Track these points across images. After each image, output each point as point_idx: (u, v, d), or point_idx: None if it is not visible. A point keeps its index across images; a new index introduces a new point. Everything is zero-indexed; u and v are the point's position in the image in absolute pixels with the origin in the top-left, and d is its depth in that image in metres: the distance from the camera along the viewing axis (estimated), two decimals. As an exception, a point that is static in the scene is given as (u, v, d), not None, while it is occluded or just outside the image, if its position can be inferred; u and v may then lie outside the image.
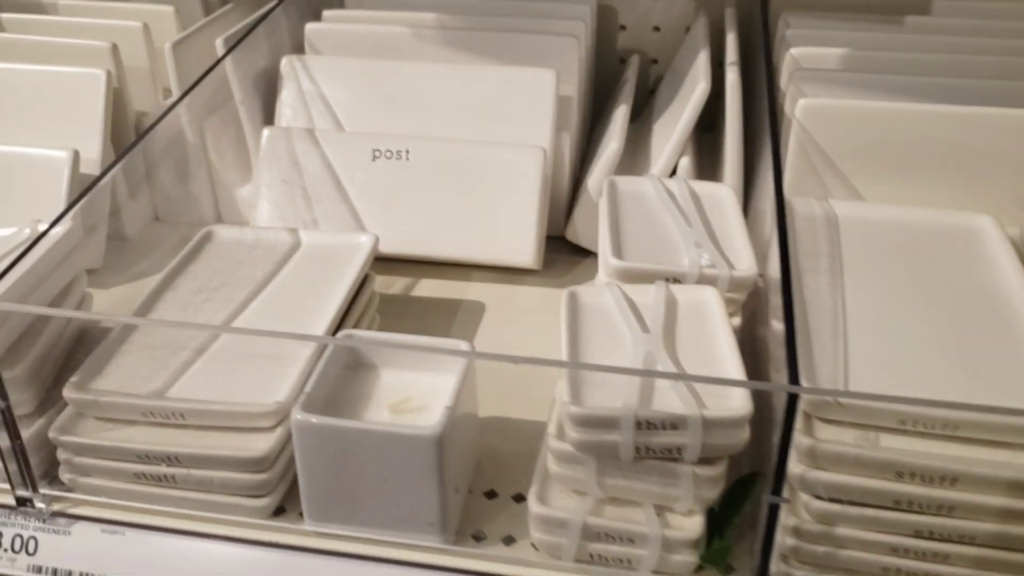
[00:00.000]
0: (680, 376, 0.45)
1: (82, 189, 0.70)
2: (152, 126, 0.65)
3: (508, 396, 0.58)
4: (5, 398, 0.49)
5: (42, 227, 0.60)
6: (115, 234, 0.78)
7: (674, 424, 0.44)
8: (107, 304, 0.68)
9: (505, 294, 0.72)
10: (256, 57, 0.77)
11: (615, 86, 0.91)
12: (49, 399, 0.55)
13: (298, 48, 0.83)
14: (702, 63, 0.72)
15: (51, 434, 0.51)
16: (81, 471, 0.52)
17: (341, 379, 0.52)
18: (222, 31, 0.81)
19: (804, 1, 0.83)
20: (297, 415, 0.47)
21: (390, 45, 0.79)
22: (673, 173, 0.71)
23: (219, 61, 0.71)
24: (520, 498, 0.53)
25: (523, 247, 0.71)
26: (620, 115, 0.76)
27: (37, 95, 0.75)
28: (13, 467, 0.52)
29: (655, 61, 0.93)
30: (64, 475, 0.53)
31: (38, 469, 0.53)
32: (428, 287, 0.73)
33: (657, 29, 0.92)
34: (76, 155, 0.71)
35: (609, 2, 0.91)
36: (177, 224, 0.82)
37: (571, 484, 0.48)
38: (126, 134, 0.78)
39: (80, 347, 0.59)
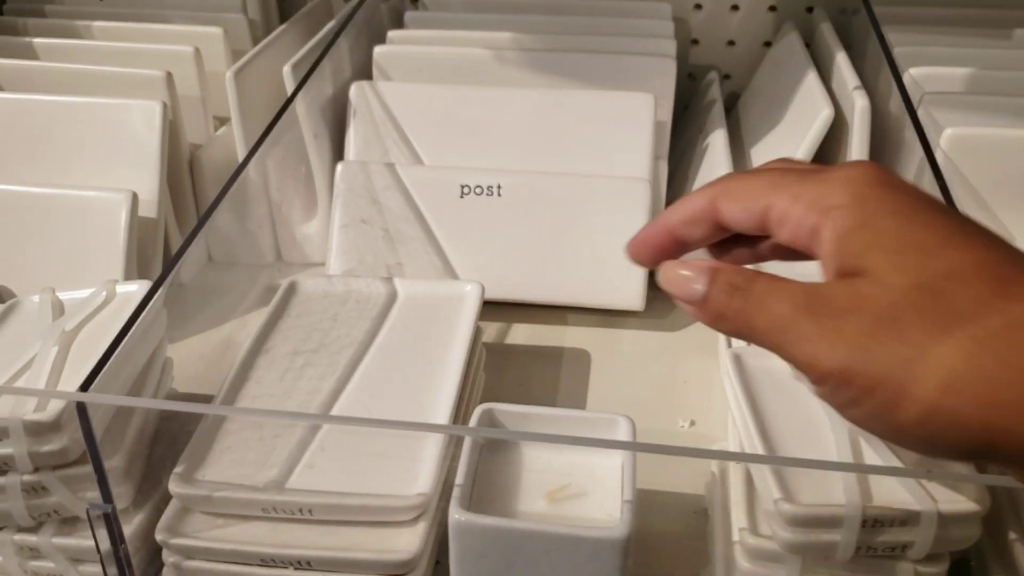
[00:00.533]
0: (917, 473, 0.40)
1: (137, 232, 0.64)
2: (235, 176, 0.58)
3: (652, 465, 0.52)
4: (110, 499, 0.43)
5: (120, 288, 0.54)
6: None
7: (903, 521, 0.39)
8: (188, 367, 0.61)
9: (608, 339, 0.66)
10: (322, 84, 0.70)
11: (689, 104, 0.86)
12: (140, 491, 0.48)
13: (360, 73, 0.76)
14: (814, 85, 0.67)
15: (158, 536, 0.44)
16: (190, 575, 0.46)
17: (484, 462, 0.46)
18: (280, 55, 0.75)
19: (898, 15, 0.78)
20: (457, 515, 0.41)
21: (467, 68, 0.73)
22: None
23: (295, 93, 0.65)
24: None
25: (628, 288, 0.65)
26: (719, 141, 0.70)
27: (86, 129, 0.68)
28: (113, 572, 0.45)
29: (727, 77, 0.88)
30: (170, 579, 0.46)
31: (137, 571, 0.47)
32: (523, 333, 0.67)
33: (732, 43, 0.87)
34: (134, 197, 0.64)
35: (681, 15, 0.85)
36: (233, 265, 0.76)
37: (765, 582, 0.42)
38: (180, 169, 0.71)
39: (166, 424, 0.52)
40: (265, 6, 0.86)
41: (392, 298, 0.59)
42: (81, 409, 0.40)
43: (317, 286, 0.60)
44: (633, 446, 0.41)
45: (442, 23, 0.79)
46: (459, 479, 0.43)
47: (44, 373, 0.47)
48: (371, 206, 0.67)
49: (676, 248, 0.37)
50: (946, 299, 0.28)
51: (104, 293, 0.53)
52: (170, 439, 0.50)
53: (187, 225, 0.73)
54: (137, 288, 0.53)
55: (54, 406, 0.43)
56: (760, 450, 0.42)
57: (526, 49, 0.73)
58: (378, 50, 0.73)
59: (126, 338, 0.44)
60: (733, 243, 0.38)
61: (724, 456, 0.42)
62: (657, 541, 0.50)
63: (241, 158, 0.72)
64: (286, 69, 0.68)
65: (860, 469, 0.39)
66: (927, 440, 0.28)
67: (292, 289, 0.60)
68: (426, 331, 0.57)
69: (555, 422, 0.46)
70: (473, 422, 0.45)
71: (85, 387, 0.41)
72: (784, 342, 0.31)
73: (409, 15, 0.80)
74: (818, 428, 0.44)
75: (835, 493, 0.39)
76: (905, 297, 0.28)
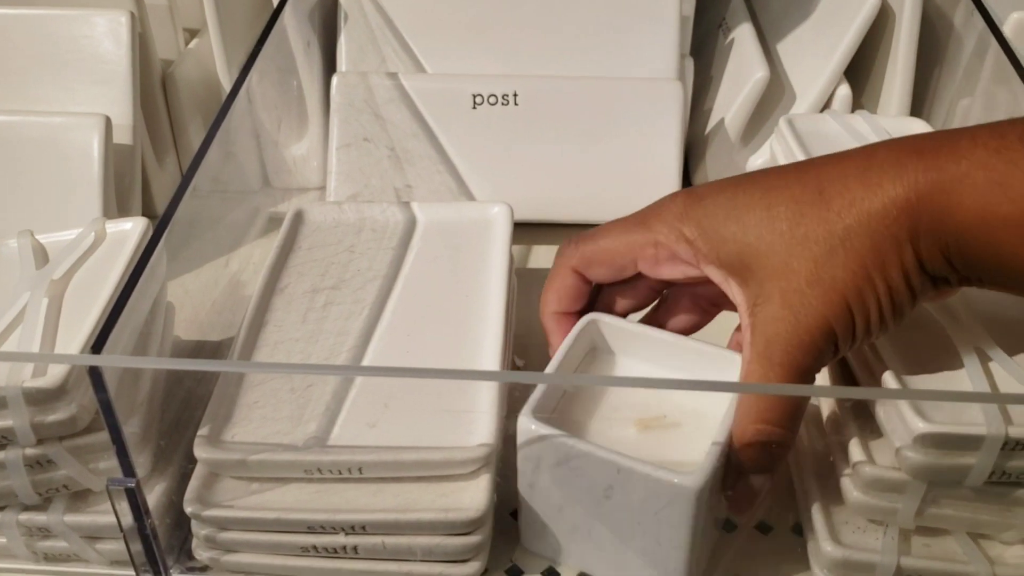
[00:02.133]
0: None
1: (114, 160, 0.57)
2: (224, 110, 0.51)
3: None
4: (132, 472, 0.37)
5: (110, 227, 0.47)
6: (146, 212, 0.65)
7: (1041, 446, 0.35)
8: (187, 309, 0.55)
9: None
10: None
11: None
12: (158, 457, 0.43)
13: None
14: (854, -31, 0.61)
15: (188, 508, 0.39)
16: (227, 547, 0.41)
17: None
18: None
19: None
20: (527, 421, 0.37)
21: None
22: (825, 106, 0.60)
23: (280, 8, 0.57)
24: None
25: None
26: (747, 36, 0.65)
27: (44, 46, 0.60)
28: (137, 548, 0.40)
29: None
30: (201, 553, 0.41)
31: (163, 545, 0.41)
32: (548, 257, 0.61)
33: (743, -71, 0.80)
34: (108, 122, 0.57)
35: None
36: (217, 192, 0.68)
37: (875, 514, 0.39)
38: (151, 88, 0.63)
39: (179, 380, 0.46)
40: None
41: (411, 224, 0.54)
42: (95, 374, 0.34)
43: (326, 214, 0.54)
44: (736, 387, 0.37)
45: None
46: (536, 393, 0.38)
47: (37, 331, 0.41)
48: (373, 122, 0.61)
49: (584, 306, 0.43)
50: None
51: (92, 234, 0.46)
52: (184, 397, 0.44)
53: (162, 151, 0.66)
54: (132, 226, 0.46)
55: (57, 370, 0.37)
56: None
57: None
58: (368, -54, 0.65)
59: (135, 288, 0.37)
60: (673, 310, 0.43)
61: (853, 393, 0.38)
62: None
63: (222, 74, 0.64)
64: (271, -27, 0.60)
65: (1003, 399, 0.35)
66: None
67: (299, 219, 0.54)
68: (455, 260, 0.51)
69: (664, 347, 0.41)
70: (576, 333, 0.41)
71: (96, 348, 0.35)
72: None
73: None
74: (940, 339, 0.40)
75: (971, 412, 0.35)
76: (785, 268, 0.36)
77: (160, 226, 0.41)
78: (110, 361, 0.34)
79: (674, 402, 0.40)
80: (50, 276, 0.43)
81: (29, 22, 0.60)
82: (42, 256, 0.46)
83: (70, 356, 0.37)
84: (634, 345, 0.42)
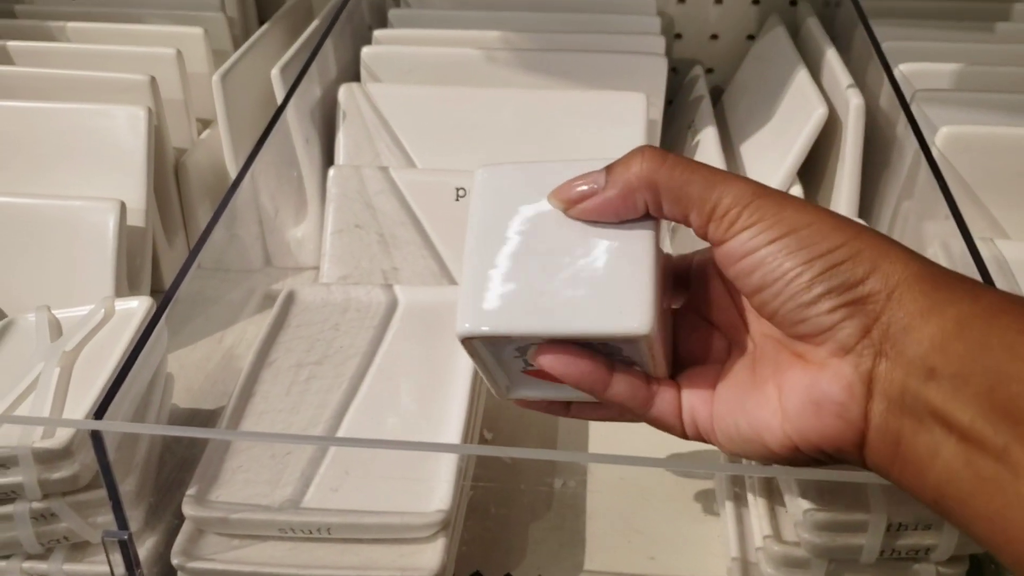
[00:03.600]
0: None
1: (127, 240, 0.63)
2: (234, 188, 0.57)
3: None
4: (126, 526, 0.42)
5: (119, 305, 0.52)
6: (155, 288, 0.70)
7: (927, 525, 0.39)
8: (185, 379, 0.60)
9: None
10: (310, 86, 0.69)
11: (673, 99, 0.86)
12: (150, 513, 0.47)
13: (346, 73, 0.75)
14: (806, 83, 0.67)
15: (175, 560, 0.44)
16: (208, 597, 0.45)
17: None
18: (264, 56, 0.74)
19: (881, 8, 0.78)
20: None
21: (456, 68, 0.72)
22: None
23: (287, 99, 0.63)
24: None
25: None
26: (710, 139, 0.70)
27: (68, 136, 0.66)
28: (126, 599, 0.44)
29: (710, 71, 0.88)
30: (185, 602, 0.45)
31: (149, 595, 0.46)
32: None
33: (715, 37, 0.87)
34: (123, 207, 0.63)
35: (664, 8, 0.85)
36: (221, 271, 0.74)
37: (789, 585, 0.43)
38: (165, 175, 0.69)
39: (173, 443, 0.51)
40: (243, 3, 0.84)
41: (393, 305, 0.59)
42: (96, 437, 0.39)
43: (316, 294, 0.60)
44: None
45: (427, 21, 0.78)
46: None
47: (48, 398, 0.46)
48: (365, 211, 0.66)
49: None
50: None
51: (102, 310, 0.52)
52: (178, 459, 0.49)
53: (173, 232, 0.72)
54: (137, 304, 0.52)
55: (63, 433, 0.42)
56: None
57: (515, 48, 0.73)
58: (366, 51, 0.72)
59: (136, 362, 0.42)
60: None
61: (751, 471, 0.43)
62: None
63: (229, 163, 0.70)
64: (274, 72, 0.67)
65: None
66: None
67: (291, 298, 0.59)
68: (430, 339, 0.56)
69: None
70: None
71: (99, 414, 0.40)
72: None
73: (393, 13, 0.79)
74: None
75: (860, 497, 0.40)
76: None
77: (162, 304, 0.46)
78: (109, 427, 0.39)
79: None
80: (62, 348, 0.49)
81: (54, 114, 0.66)
82: (56, 329, 0.51)
83: (74, 421, 0.42)
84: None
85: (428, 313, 0.58)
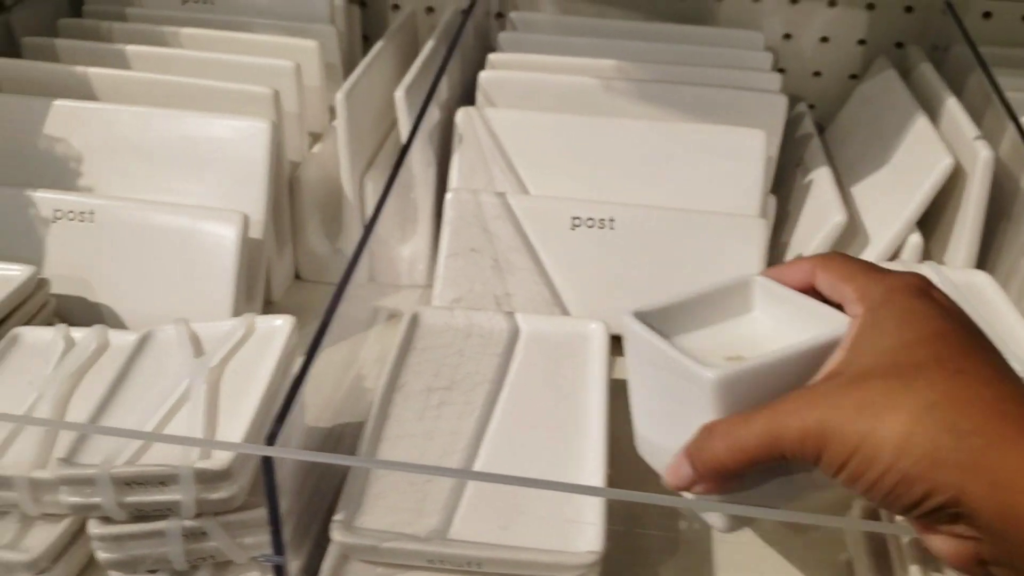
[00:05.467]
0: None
1: (248, 255, 0.63)
2: (379, 209, 0.57)
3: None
4: (283, 551, 0.42)
5: (260, 323, 0.52)
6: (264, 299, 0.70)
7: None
8: (318, 398, 0.60)
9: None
10: (429, 108, 0.69)
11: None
12: (296, 535, 0.47)
13: (461, 97, 0.75)
14: (928, 132, 0.67)
15: (323, 586, 0.44)
16: (351, 625, 0.45)
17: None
18: (380, 74, 0.74)
19: (994, 56, 0.78)
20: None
21: (572, 96, 0.72)
22: (896, 253, 0.66)
23: (417, 124, 0.64)
24: None
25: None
26: (825, 179, 0.70)
27: (191, 144, 0.66)
28: (271, 623, 0.45)
29: (812, 107, 0.87)
30: (326, 629, 0.45)
31: (289, 618, 0.46)
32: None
33: (818, 74, 0.87)
34: (246, 219, 0.63)
35: (770, 43, 0.85)
36: (321, 284, 0.74)
37: None
38: (280, 187, 0.70)
39: (313, 469, 0.51)
40: (350, 16, 0.85)
41: (515, 333, 0.59)
42: (267, 463, 0.39)
43: (438, 318, 0.60)
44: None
45: (537, 46, 0.78)
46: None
47: (200, 416, 0.46)
48: (481, 235, 0.66)
49: None
50: (905, 378, 0.33)
51: (243, 327, 0.52)
52: (315, 482, 0.49)
53: (282, 244, 0.72)
54: (281, 323, 0.52)
55: (223, 454, 0.42)
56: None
57: (631, 79, 0.73)
58: (484, 75, 0.72)
59: (302, 384, 0.43)
60: None
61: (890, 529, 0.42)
62: None
63: (346, 179, 0.70)
64: (399, 94, 0.67)
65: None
66: (893, 499, 0.32)
67: (415, 321, 0.59)
68: (556, 370, 0.56)
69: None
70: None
71: (271, 440, 0.40)
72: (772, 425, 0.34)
73: (503, 36, 0.79)
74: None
75: None
76: (873, 371, 0.34)
77: (323, 327, 0.46)
78: (281, 453, 0.39)
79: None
80: (208, 364, 0.49)
81: (179, 122, 0.66)
82: (196, 344, 0.51)
83: (248, 446, 0.42)
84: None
85: (550, 343, 0.58)
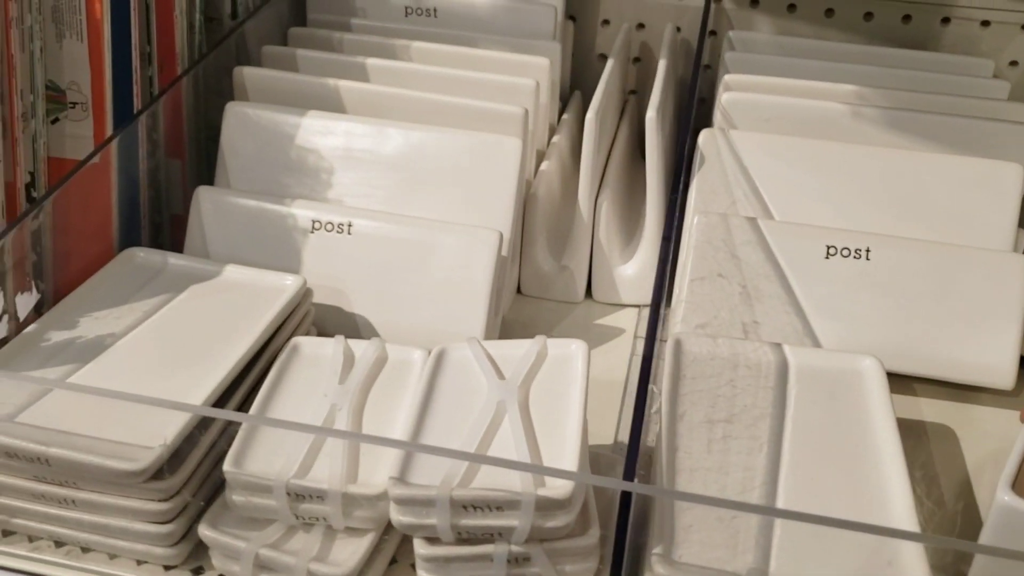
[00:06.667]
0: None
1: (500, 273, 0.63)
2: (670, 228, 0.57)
3: None
4: (622, 584, 0.42)
5: (554, 350, 0.53)
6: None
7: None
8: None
9: (967, 416, 0.64)
10: (665, 129, 0.69)
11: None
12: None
13: (675, 115, 0.75)
14: None
15: None
16: None
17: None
18: (613, 95, 0.74)
19: None
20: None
21: (816, 122, 0.71)
22: None
23: (688, 151, 0.63)
24: None
25: (998, 364, 0.63)
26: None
27: (443, 160, 0.67)
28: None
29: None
30: None
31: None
32: (903, 407, 0.64)
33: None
34: (501, 238, 0.63)
35: (1000, 71, 0.83)
36: (543, 300, 0.74)
37: None
38: (518, 204, 0.70)
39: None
40: (565, 30, 0.85)
41: (783, 365, 0.58)
42: (625, 498, 0.39)
43: (703, 347, 0.59)
44: None
45: (766, 67, 0.77)
46: None
47: (523, 441, 0.46)
48: (729, 260, 0.66)
49: None
50: None
51: (537, 349, 0.52)
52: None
53: (514, 261, 0.72)
54: (576, 348, 0.52)
55: (564, 483, 0.42)
56: None
57: (876, 106, 0.71)
58: (726, 97, 0.71)
59: (644, 416, 0.42)
60: None
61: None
62: None
63: (583, 198, 0.70)
64: (651, 115, 0.66)
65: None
66: None
67: (679, 348, 0.59)
68: (835, 407, 0.55)
69: None
70: None
71: (628, 475, 0.40)
72: None
73: (730, 56, 0.79)
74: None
75: None
76: None
77: (647, 359, 0.46)
78: (643, 489, 0.39)
79: None
80: (515, 387, 0.49)
81: (433, 138, 0.67)
82: (494, 364, 0.52)
83: (609, 480, 0.43)
84: None
85: (823, 377, 0.57)
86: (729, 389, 0.56)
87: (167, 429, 0.46)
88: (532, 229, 0.72)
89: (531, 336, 0.72)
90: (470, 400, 0.49)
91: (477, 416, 0.48)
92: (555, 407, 0.48)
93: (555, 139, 0.78)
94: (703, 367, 0.58)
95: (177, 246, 0.69)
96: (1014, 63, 0.83)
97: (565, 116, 0.81)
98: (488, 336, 0.64)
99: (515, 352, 0.52)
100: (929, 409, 0.65)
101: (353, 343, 0.57)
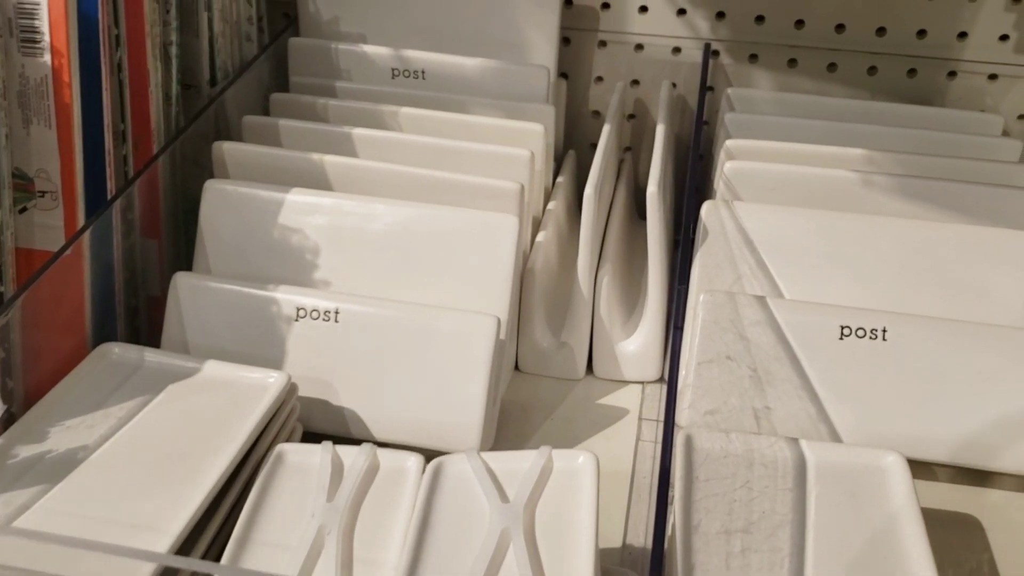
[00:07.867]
0: None
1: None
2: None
3: None
4: None
5: (560, 463, 0.49)
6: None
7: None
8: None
9: (989, 501, 0.61)
10: (666, 197, 0.66)
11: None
12: None
13: (673, 175, 0.72)
14: None
15: None
16: None
17: None
18: (610, 160, 0.71)
19: None
20: None
21: (824, 190, 0.68)
22: None
23: (689, 226, 0.60)
24: None
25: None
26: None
27: (437, 239, 0.63)
28: None
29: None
30: None
31: None
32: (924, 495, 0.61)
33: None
34: (499, 323, 0.60)
35: (1010, 129, 0.80)
36: (541, 377, 0.71)
37: None
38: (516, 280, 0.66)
39: None
40: (558, 89, 0.82)
41: (801, 463, 0.54)
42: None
43: (715, 443, 0.55)
44: None
45: (766, 129, 0.74)
46: None
47: (527, 565, 0.42)
48: (738, 342, 0.62)
49: None
50: None
51: (542, 463, 0.48)
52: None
53: (509, 339, 0.68)
54: (583, 460, 0.48)
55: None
56: None
57: (887, 172, 0.68)
58: (729, 166, 0.68)
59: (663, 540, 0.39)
60: None
61: None
62: None
63: (583, 272, 0.67)
64: (652, 190, 0.63)
65: None
66: None
67: (689, 445, 0.55)
68: (858, 509, 0.52)
69: None
70: None
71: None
72: None
73: (730, 118, 0.76)
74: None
75: None
76: None
77: (664, 471, 0.43)
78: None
79: None
80: (519, 510, 0.46)
81: (425, 213, 0.64)
82: (495, 480, 0.48)
83: None
84: None
85: (845, 477, 0.53)
86: (745, 492, 0.53)
87: (138, 572, 0.42)
88: (530, 304, 0.69)
89: (530, 420, 0.69)
90: (471, 525, 0.46)
91: (480, 548, 0.44)
92: (564, 532, 0.45)
93: (551, 206, 0.74)
94: (717, 467, 0.54)
95: (154, 329, 0.65)
96: (1023, 117, 0.81)
97: (560, 179, 0.78)
98: (487, 426, 0.60)
99: (518, 466, 0.49)
100: (951, 496, 0.61)
101: (342, 450, 0.53)
